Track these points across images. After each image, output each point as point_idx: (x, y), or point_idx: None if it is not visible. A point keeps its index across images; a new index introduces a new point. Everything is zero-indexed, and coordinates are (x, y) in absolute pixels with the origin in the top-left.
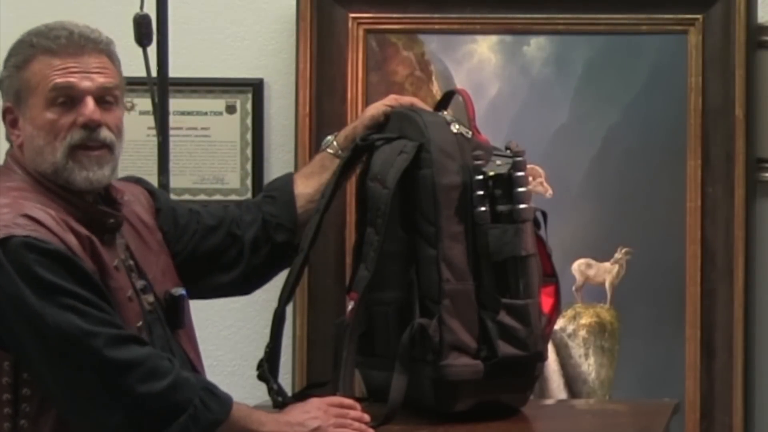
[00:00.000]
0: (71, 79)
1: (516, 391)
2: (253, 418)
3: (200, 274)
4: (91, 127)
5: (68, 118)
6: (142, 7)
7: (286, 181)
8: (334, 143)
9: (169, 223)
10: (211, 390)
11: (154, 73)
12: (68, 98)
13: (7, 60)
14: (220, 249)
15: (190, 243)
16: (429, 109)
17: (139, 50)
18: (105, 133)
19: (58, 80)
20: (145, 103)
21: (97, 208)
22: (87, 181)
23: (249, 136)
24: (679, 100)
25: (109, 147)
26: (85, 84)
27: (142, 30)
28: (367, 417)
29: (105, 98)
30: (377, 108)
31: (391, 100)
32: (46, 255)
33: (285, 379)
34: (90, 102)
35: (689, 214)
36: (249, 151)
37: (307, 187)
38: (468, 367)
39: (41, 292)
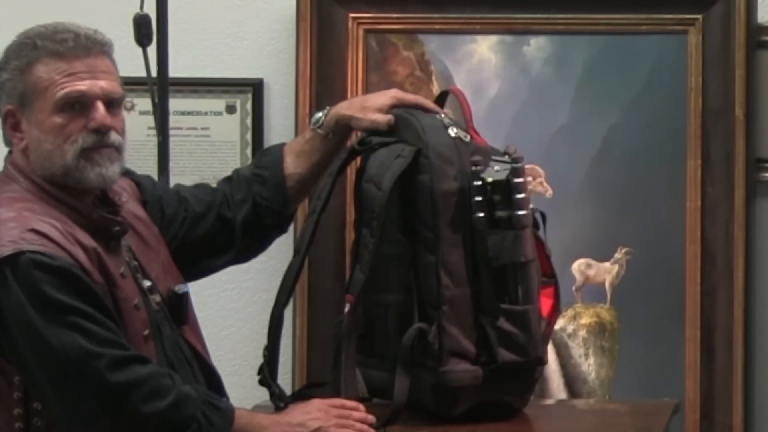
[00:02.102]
0: (81, 87)
1: (515, 396)
2: (254, 423)
3: (194, 260)
4: (102, 131)
5: (78, 123)
6: (142, 7)
7: (277, 158)
8: (324, 123)
9: (157, 215)
10: (213, 403)
11: (154, 73)
12: (78, 103)
13: (6, 62)
14: (211, 234)
15: (179, 232)
16: (434, 106)
17: (139, 50)
18: (114, 137)
19: (69, 88)
20: (145, 103)
21: (102, 216)
22: (100, 177)
23: (249, 136)
24: (679, 100)
25: (117, 148)
26: (95, 90)
27: (142, 30)
28: (371, 418)
29: (112, 102)
30: (385, 119)
31: (393, 99)
32: (53, 272)
33: (285, 379)
34: (101, 107)
35: (689, 214)
36: (249, 151)
37: (297, 167)
38: (468, 372)
39: (46, 312)
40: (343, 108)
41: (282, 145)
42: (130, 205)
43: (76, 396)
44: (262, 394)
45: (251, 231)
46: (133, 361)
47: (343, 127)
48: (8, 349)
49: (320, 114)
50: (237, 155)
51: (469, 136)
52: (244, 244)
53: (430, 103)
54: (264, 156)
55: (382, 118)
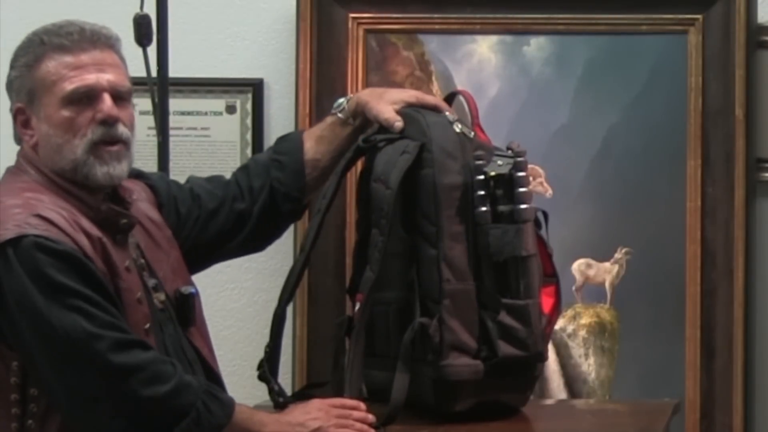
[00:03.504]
0: (89, 81)
1: (516, 391)
2: (254, 420)
3: (209, 251)
4: (110, 123)
5: (86, 116)
6: (142, 7)
7: (296, 145)
8: (345, 108)
9: (172, 216)
10: (214, 393)
11: (154, 73)
12: (85, 96)
13: (15, 60)
14: (225, 229)
15: (193, 230)
16: (451, 110)
17: (139, 50)
18: (122, 129)
19: (78, 82)
20: (145, 103)
21: (110, 208)
22: (107, 176)
23: (249, 136)
24: (679, 100)
25: (125, 143)
26: (102, 82)
27: (142, 30)
28: (371, 417)
29: (120, 95)
30: (395, 118)
31: (412, 97)
32: (56, 256)
33: (285, 379)
34: (107, 98)
35: (689, 214)
36: (249, 151)
37: (316, 153)
38: (468, 367)
39: (49, 294)
40: (365, 94)
41: (300, 131)
42: (143, 206)
43: (77, 378)
44: (262, 394)
45: (266, 216)
46: (135, 345)
47: (362, 113)
48: (9, 332)
49: (342, 99)
50: (237, 155)
51: (473, 133)
52: (259, 231)
53: (448, 108)
54: (282, 142)
55: (391, 115)
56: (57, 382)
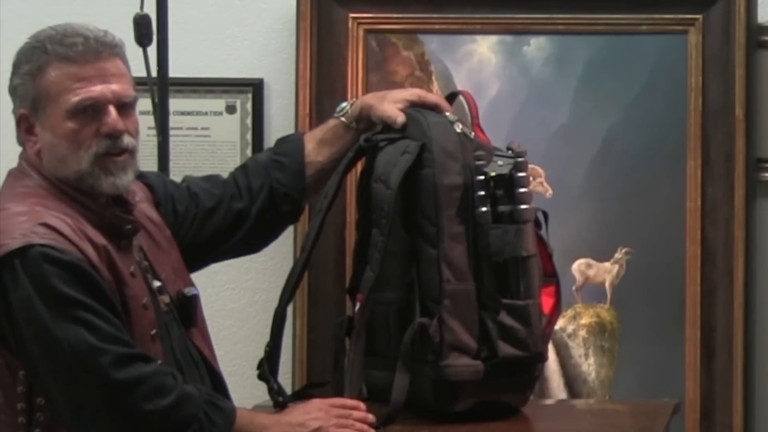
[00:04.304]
0: (93, 93)
1: (516, 392)
2: (255, 423)
3: (207, 251)
4: (115, 136)
5: (91, 128)
6: (142, 7)
7: (298, 145)
8: (348, 112)
9: (170, 215)
10: (215, 402)
11: (154, 73)
12: (90, 108)
13: (18, 66)
14: (222, 228)
15: (190, 229)
16: (451, 109)
17: (139, 50)
18: (127, 140)
19: (82, 95)
20: (145, 103)
21: (114, 214)
22: (113, 186)
23: (249, 136)
24: (679, 100)
25: (131, 152)
26: (107, 94)
27: (142, 30)
28: (371, 417)
29: (124, 104)
30: (397, 114)
31: (414, 95)
32: (62, 266)
33: (285, 379)
34: (113, 111)
35: (689, 214)
36: (249, 151)
37: (318, 155)
38: (468, 367)
39: (54, 305)
40: (368, 98)
41: (301, 133)
42: (143, 207)
43: (79, 391)
44: (262, 394)
45: (265, 217)
46: (137, 359)
47: (366, 117)
48: (14, 342)
49: (345, 104)
50: (237, 155)
51: (473, 133)
52: (256, 231)
53: (449, 106)
54: (283, 143)
55: (393, 112)
56: (60, 395)
